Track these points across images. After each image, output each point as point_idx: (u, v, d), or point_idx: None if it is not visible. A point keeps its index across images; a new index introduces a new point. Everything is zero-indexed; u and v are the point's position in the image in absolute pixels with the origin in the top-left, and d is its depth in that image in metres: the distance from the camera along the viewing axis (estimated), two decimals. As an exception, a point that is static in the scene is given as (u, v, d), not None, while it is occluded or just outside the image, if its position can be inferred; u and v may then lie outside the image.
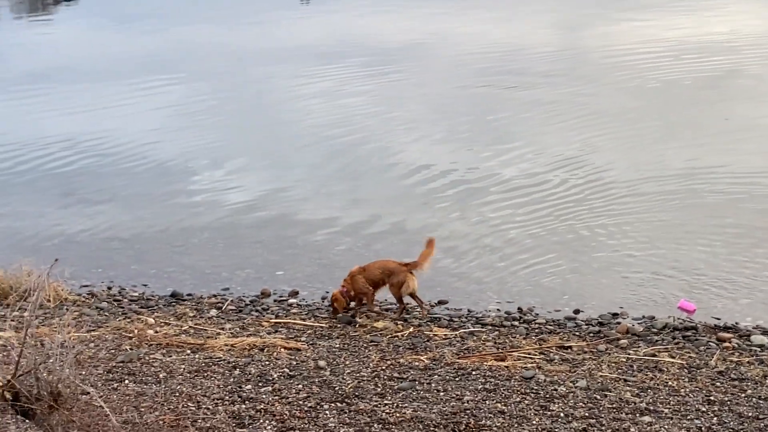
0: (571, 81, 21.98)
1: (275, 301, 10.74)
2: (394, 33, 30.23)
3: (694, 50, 24.62)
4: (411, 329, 9.46)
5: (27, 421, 6.11)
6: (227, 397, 7.59)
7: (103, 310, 10.33)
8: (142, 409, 7.13)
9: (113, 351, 8.73)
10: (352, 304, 9.93)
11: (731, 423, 7.06)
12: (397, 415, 7.21)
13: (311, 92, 22.06)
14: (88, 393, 6.03)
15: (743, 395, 7.63)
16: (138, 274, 11.79)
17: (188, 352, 8.78)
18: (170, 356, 8.64)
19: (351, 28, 32.63)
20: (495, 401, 7.51)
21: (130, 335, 9.25)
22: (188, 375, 8.14)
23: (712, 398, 7.57)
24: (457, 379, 8.06)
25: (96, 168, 16.71)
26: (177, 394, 7.61)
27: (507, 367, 8.34)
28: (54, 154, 17.49)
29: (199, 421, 7.00)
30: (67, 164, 16.93)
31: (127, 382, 7.92)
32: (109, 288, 11.32)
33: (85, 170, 16.62)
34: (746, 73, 22.00)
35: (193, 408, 7.32)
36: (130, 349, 8.83)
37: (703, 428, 6.96)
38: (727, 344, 8.91)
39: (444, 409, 7.32)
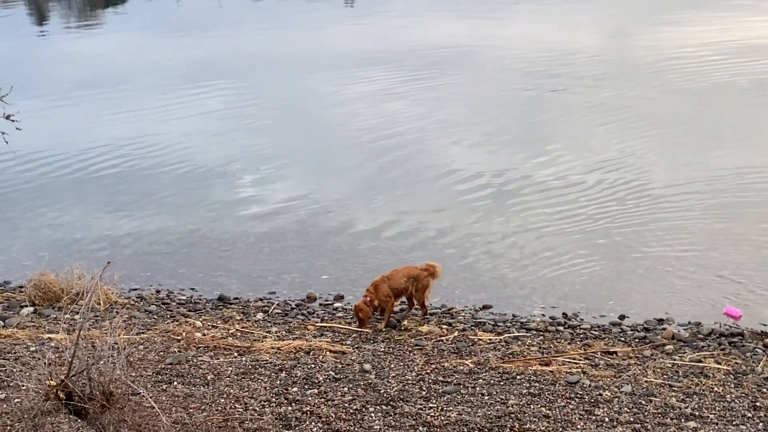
0: (617, 83, 21.88)
1: (321, 305, 10.85)
2: (438, 36, 30.26)
3: (744, 53, 24.36)
4: (456, 333, 9.51)
5: (79, 420, 6.26)
6: (274, 399, 7.70)
7: (151, 313, 10.51)
8: (191, 410, 7.26)
9: (162, 353, 8.88)
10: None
11: (778, 429, 7.03)
12: (442, 418, 7.26)
13: (355, 97, 22.17)
14: (140, 393, 6.16)
15: (791, 402, 7.58)
16: (185, 278, 11.97)
17: (235, 354, 8.91)
18: (218, 358, 8.77)
19: (394, 31, 32.75)
20: (540, 405, 7.53)
21: (179, 338, 9.40)
22: (235, 377, 8.26)
23: (758, 404, 7.53)
24: (501, 383, 8.09)
25: (143, 173, 16.96)
26: (225, 396, 7.73)
27: (552, 371, 8.36)
28: (101, 160, 17.77)
29: (247, 422, 7.11)
30: (114, 170, 17.20)
31: (175, 383, 8.07)
32: (158, 291, 11.51)
33: (132, 176, 16.87)
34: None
35: (241, 409, 7.43)
36: (179, 351, 8.97)
37: (749, 434, 6.94)
38: (774, 350, 8.85)
39: (488, 412, 7.36)
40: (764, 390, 7.85)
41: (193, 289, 11.59)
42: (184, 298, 11.24)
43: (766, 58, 23.51)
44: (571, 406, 7.52)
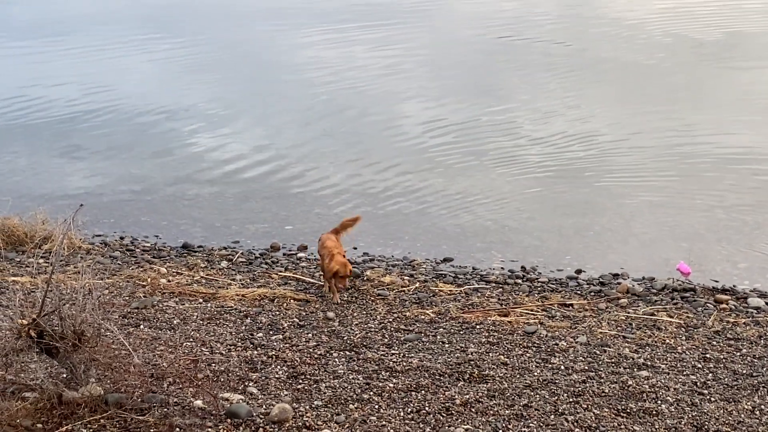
0: (578, 37, 22.16)
1: (284, 254, 11.00)
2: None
3: (713, 10, 24.72)
4: (417, 285, 9.71)
5: (50, 358, 6.36)
6: (240, 344, 7.85)
7: (116, 259, 10.58)
8: (159, 352, 7.39)
9: (128, 298, 8.99)
10: None
11: (726, 379, 7.32)
12: (404, 364, 7.47)
13: (313, 50, 22.20)
14: (111, 333, 6.28)
15: (738, 354, 7.89)
16: (149, 226, 12.05)
17: (200, 300, 9.04)
18: (183, 304, 8.90)
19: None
20: (498, 353, 7.77)
21: (144, 284, 9.50)
22: (201, 322, 8.40)
23: (708, 356, 7.83)
24: (461, 332, 8.31)
25: (98, 120, 16.92)
26: (191, 340, 7.88)
27: (510, 322, 8.60)
28: (54, 105, 17.69)
29: (214, 364, 7.26)
30: (68, 116, 17.14)
31: (142, 326, 8.19)
32: (122, 238, 11.58)
33: (88, 122, 16.83)
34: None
35: (207, 353, 7.58)
36: (144, 296, 9.08)
37: (698, 383, 7.22)
38: (724, 306, 9.16)
39: (449, 359, 7.58)
40: (714, 343, 8.15)
41: (157, 236, 11.69)
42: (149, 245, 11.32)
43: (732, 18, 23.89)
44: (528, 355, 7.77)
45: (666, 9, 25.16)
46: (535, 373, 7.35)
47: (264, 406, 6.56)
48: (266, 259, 10.71)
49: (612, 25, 23.78)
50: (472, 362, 7.53)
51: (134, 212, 12.55)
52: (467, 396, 6.84)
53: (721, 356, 7.82)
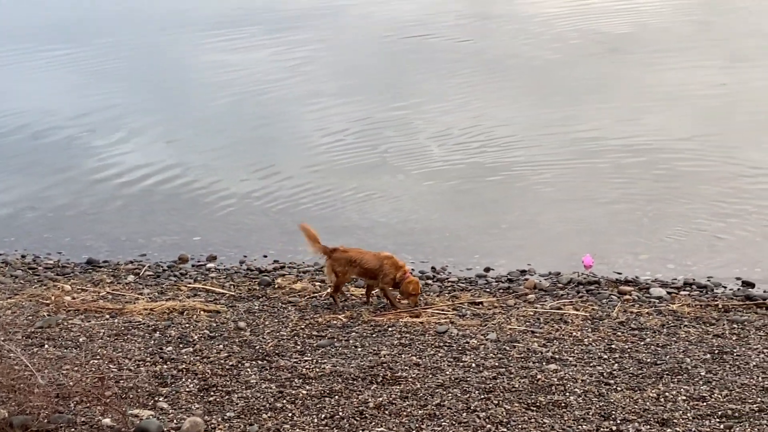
0: (482, 37, 22.41)
1: (193, 266, 10.86)
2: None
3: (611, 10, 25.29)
4: (328, 290, 9.69)
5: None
6: (149, 359, 7.74)
7: (17, 278, 10.31)
8: (65, 372, 7.23)
9: (31, 317, 8.77)
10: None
11: (631, 368, 7.51)
12: (317, 370, 7.47)
13: (217, 58, 21.95)
14: (14, 354, 6.12)
15: (642, 343, 8.10)
16: (52, 243, 11.77)
17: (107, 316, 8.88)
18: (89, 321, 8.73)
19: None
20: (410, 354, 7.82)
21: (47, 302, 9.28)
22: (108, 339, 8.26)
23: (613, 346, 8.02)
24: (374, 335, 8.35)
25: (-2, 137, 16.47)
26: (98, 357, 7.73)
27: (422, 323, 8.67)
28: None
29: (122, 380, 7.14)
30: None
31: (47, 346, 8.00)
32: (23, 256, 11.29)
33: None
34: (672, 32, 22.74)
35: (115, 370, 7.45)
36: (48, 315, 8.87)
37: (604, 374, 7.39)
38: (627, 297, 9.40)
39: (362, 363, 7.61)
40: (619, 333, 8.35)
41: (60, 253, 11.42)
42: (52, 262, 11.06)
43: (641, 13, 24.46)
44: (440, 354, 7.84)
45: (574, 5, 25.63)
46: (447, 372, 7.43)
47: (175, 421, 6.49)
48: (175, 272, 10.58)
49: (518, 22, 24.15)
50: (384, 365, 7.57)
51: (36, 229, 12.24)
52: (380, 399, 6.88)
53: (626, 346, 8.02)
